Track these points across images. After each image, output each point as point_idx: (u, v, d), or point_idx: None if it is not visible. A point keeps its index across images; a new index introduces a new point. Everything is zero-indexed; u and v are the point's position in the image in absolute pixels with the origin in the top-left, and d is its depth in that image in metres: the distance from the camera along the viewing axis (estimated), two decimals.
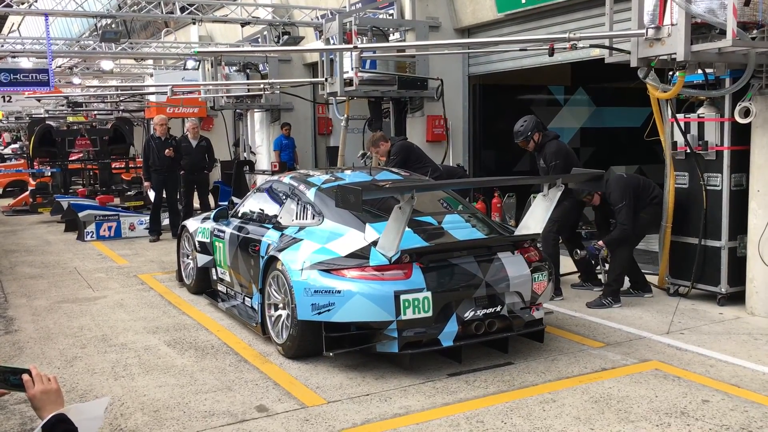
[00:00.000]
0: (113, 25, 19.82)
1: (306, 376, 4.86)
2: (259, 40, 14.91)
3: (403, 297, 4.72)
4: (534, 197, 6.19)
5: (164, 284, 7.99)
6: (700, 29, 5.40)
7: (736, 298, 6.37)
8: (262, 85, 12.41)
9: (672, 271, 6.82)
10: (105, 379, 4.89)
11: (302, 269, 5.06)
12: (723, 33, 5.16)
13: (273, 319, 5.48)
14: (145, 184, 11.79)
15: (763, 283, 6.07)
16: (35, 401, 2.17)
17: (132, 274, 8.61)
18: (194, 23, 13.38)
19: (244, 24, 12.75)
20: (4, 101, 20.43)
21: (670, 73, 6.17)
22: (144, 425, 4.12)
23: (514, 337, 5.53)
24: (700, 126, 6.51)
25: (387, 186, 5.62)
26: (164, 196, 11.33)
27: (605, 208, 6.84)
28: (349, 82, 9.63)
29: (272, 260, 5.49)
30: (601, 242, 6.63)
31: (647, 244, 9.11)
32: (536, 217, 5.47)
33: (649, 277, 7.06)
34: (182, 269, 7.80)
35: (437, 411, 4.22)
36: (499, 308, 5.06)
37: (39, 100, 20.58)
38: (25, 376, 2.15)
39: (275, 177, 7.05)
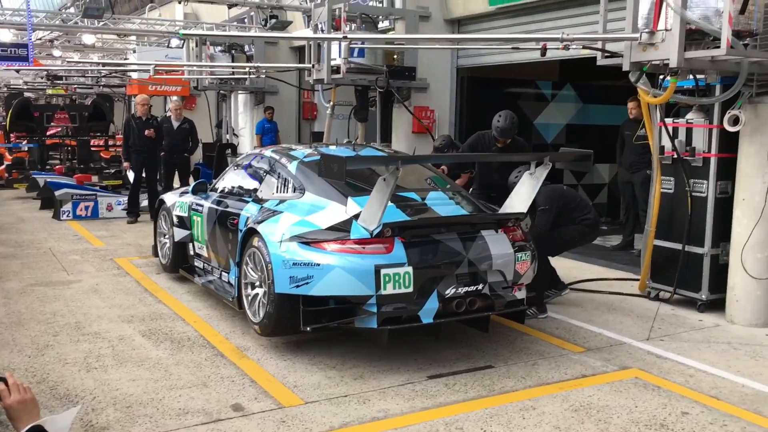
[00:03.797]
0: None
1: (283, 374, 4.78)
2: (246, 20, 14.67)
3: (383, 271, 4.65)
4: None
5: (141, 269, 7.85)
6: (693, 35, 5.35)
7: (717, 305, 6.38)
8: (247, 69, 12.20)
9: (653, 276, 6.82)
10: (77, 370, 4.78)
11: (281, 241, 4.98)
12: (717, 40, 5.11)
13: (250, 298, 5.39)
14: (125, 164, 11.60)
15: (744, 292, 6.08)
16: (11, 411, 2.09)
17: (108, 258, 8.46)
18: (180, 2, 13.11)
19: (231, 5, 12.50)
20: None
21: (661, 77, 6.13)
22: (116, 422, 4.01)
23: (495, 340, 5.52)
24: (688, 131, 6.48)
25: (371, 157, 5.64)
26: (144, 176, 11.15)
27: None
28: (336, 70, 9.49)
29: (250, 234, 5.41)
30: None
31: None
32: (521, 196, 5.41)
33: (631, 283, 7.06)
34: (159, 248, 7.68)
35: (416, 416, 4.16)
36: (480, 286, 5.01)
37: (18, 71, 20.13)
38: (1, 385, 2.06)
39: (257, 150, 6.96)
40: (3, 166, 16.36)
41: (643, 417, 4.19)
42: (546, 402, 4.38)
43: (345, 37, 7.32)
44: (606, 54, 5.89)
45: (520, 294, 5.30)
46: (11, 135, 16.43)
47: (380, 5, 10.91)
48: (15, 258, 8.34)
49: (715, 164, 6.30)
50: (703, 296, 6.41)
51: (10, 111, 16.10)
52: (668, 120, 6.55)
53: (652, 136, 6.74)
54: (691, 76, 6.01)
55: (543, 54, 5.89)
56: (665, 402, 4.42)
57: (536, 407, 4.30)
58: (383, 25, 10.89)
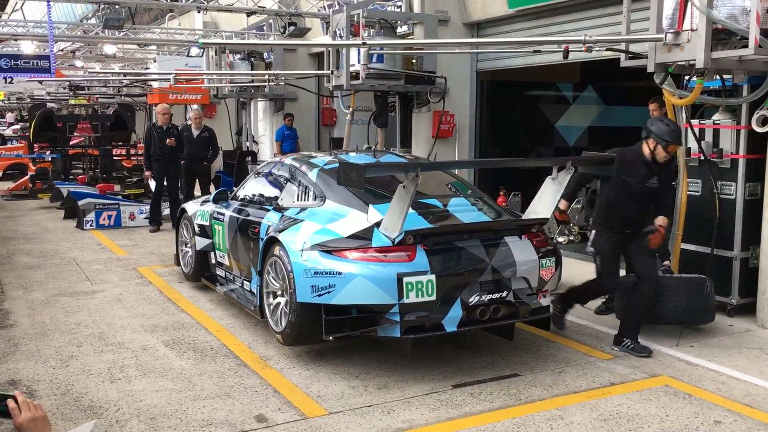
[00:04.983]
0: (116, 7, 19.64)
1: (307, 384, 4.73)
2: (265, 28, 14.71)
3: (406, 279, 4.60)
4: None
5: (163, 278, 7.86)
6: (719, 34, 5.24)
7: (747, 309, 6.24)
8: (266, 76, 12.23)
9: None
10: (101, 381, 4.77)
11: (302, 250, 4.95)
12: (744, 39, 5.00)
13: (272, 307, 5.37)
14: (146, 173, 11.65)
15: None
16: (23, 430, 2.06)
17: (131, 267, 8.48)
18: (199, 11, 13.18)
19: (249, 13, 12.54)
20: (6, 82, 20.25)
21: (686, 78, 6.02)
22: None
23: (520, 347, 5.44)
24: (715, 133, 6.36)
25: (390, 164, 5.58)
26: (165, 185, 11.21)
27: None
28: (355, 75, 9.46)
29: (271, 243, 5.38)
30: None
31: None
32: (545, 202, 5.32)
33: None
34: (181, 257, 7.69)
35: (442, 426, 4.10)
36: (505, 294, 4.95)
37: (41, 82, 20.38)
38: (11, 403, 2.04)
39: (276, 159, 6.94)
40: (27, 177, 16.56)
41: (675, 426, 4.09)
42: (574, 411, 4.30)
43: (364, 43, 7.27)
44: (630, 55, 5.79)
45: (545, 301, 5.22)
46: (35, 145, 16.60)
47: (399, 10, 10.87)
48: (39, 268, 8.40)
49: (744, 166, 6.18)
50: (733, 300, 6.28)
51: (34, 122, 16.26)
52: (694, 121, 6.43)
53: None
54: (717, 77, 5.89)
55: (565, 56, 5.81)
56: (697, 411, 4.32)
57: (564, 417, 4.21)
58: (402, 30, 10.85)
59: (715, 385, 4.76)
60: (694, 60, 5.10)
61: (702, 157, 6.37)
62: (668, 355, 5.33)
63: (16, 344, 5.54)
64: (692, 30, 5.10)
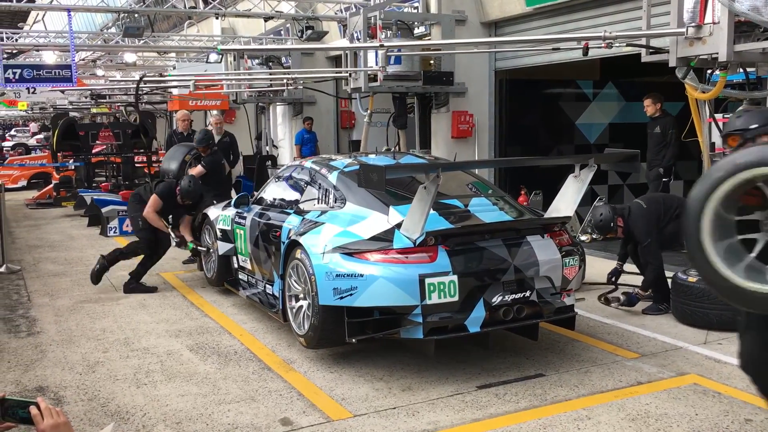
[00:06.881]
0: (136, 15, 19.86)
1: (331, 387, 4.73)
2: (282, 32, 14.79)
3: (428, 280, 4.59)
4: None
5: (186, 283, 7.91)
6: (742, 27, 5.16)
7: None
8: (284, 80, 12.28)
9: None
10: (127, 386, 4.81)
11: (324, 253, 4.95)
12: (767, 31, 4.92)
13: (294, 310, 5.37)
14: None
15: None
16: None
17: (154, 272, 8.51)
18: (217, 18, 13.28)
19: (267, 18, 12.61)
20: (29, 92, 20.57)
21: (709, 72, 5.94)
22: None
23: (545, 347, 5.40)
24: None
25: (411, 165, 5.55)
26: None
27: (633, 239, 6.49)
28: (373, 77, 9.47)
29: (293, 246, 5.39)
30: (639, 290, 6.34)
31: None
32: (567, 200, 5.27)
33: None
34: (203, 262, 7.74)
35: (467, 428, 4.07)
36: (528, 293, 4.91)
37: (63, 92, 20.67)
38: (33, 410, 2.06)
39: (297, 162, 6.96)
40: (51, 185, 16.79)
41: (704, 425, 4.03)
42: (601, 411, 4.25)
43: (381, 45, 7.27)
44: (651, 50, 5.73)
45: (569, 300, 5.18)
46: (58, 154, 16.82)
47: (415, 11, 10.87)
48: (65, 275, 8.49)
49: None
50: None
51: (57, 131, 16.47)
52: (718, 116, 6.34)
53: (701, 133, 6.51)
54: (740, 70, 5.80)
55: (585, 53, 5.76)
56: (727, 409, 4.25)
57: (591, 417, 4.17)
58: (419, 30, 10.85)
59: (744, 382, 4.65)
60: (717, 53, 5.02)
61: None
62: (696, 353, 5.26)
63: (43, 351, 5.61)
64: (714, 23, 5.03)
